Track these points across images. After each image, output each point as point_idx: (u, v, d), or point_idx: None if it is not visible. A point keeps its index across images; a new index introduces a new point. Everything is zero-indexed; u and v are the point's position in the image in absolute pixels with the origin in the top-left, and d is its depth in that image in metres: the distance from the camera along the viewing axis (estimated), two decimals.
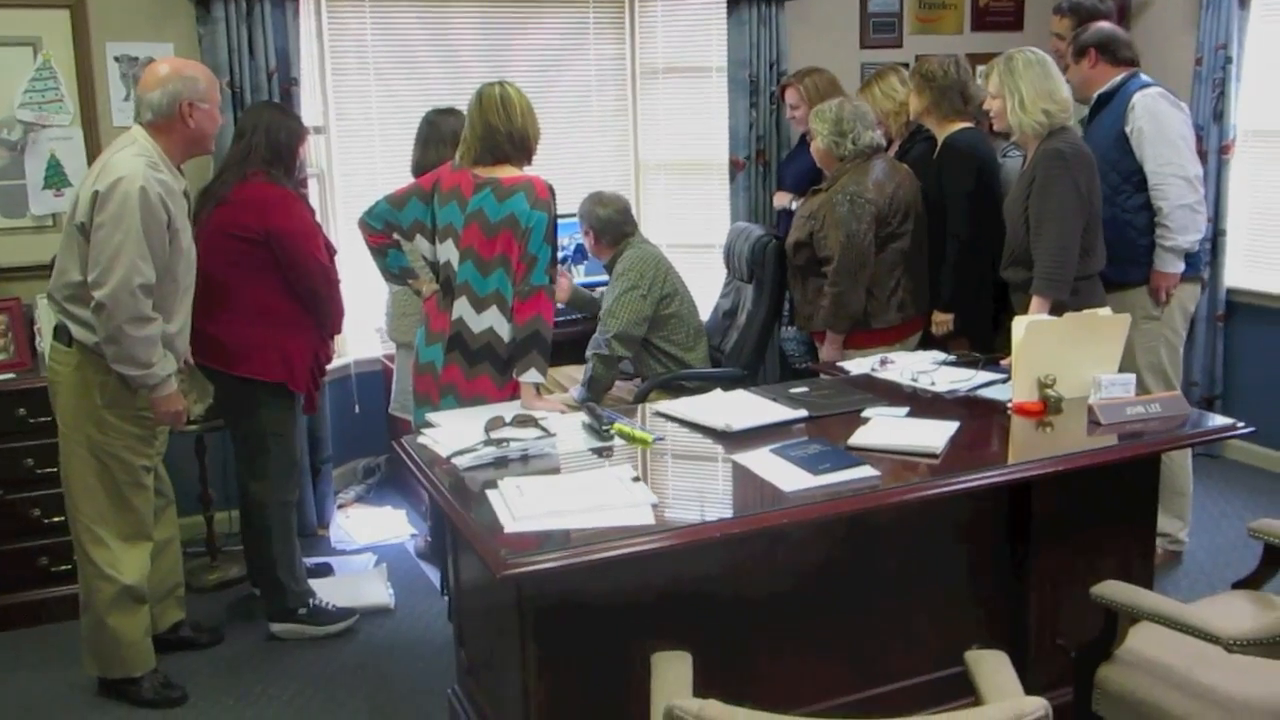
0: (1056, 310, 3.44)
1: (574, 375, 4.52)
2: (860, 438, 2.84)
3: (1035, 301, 3.52)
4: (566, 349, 4.59)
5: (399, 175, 4.22)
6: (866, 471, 2.60)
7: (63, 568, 3.84)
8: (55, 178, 4.28)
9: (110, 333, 3.12)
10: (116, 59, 4.33)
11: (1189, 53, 5.23)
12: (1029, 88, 3.53)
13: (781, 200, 4.94)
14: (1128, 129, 3.89)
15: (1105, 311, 3.31)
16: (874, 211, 3.94)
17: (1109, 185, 3.83)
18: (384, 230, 3.51)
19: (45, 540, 3.86)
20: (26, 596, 3.91)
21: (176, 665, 3.60)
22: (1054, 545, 2.96)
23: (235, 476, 3.96)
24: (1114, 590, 2.44)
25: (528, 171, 3.37)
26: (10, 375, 3.92)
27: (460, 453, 2.75)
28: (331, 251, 3.80)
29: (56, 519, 3.74)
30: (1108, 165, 3.85)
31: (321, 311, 3.76)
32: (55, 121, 4.28)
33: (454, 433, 2.92)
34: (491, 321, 3.31)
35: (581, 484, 2.55)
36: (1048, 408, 3.08)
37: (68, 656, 3.63)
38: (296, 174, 3.88)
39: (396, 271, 3.61)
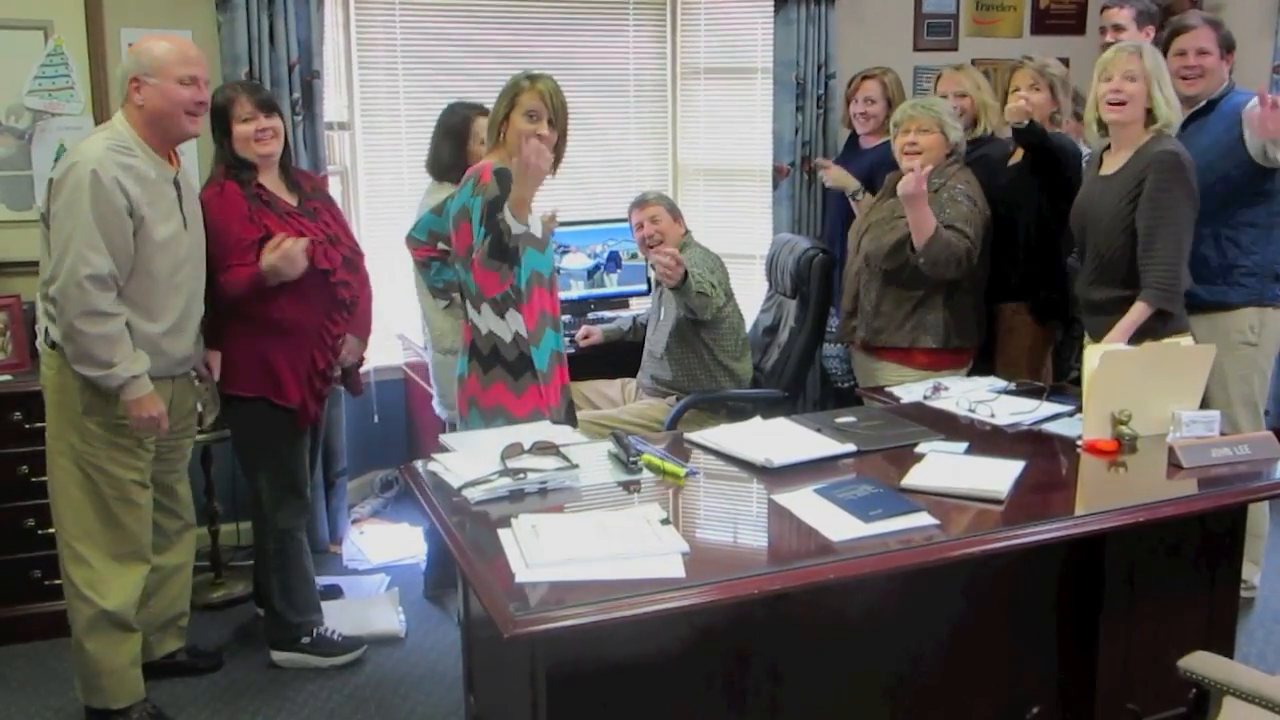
0: (1136, 337, 3.14)
1: (605, 391, 4.27)
2: (915, 478, 2.56)
3: (1139, 307, 3.14)
4: (595, 363, 4.35)
5: (426, 176, 3.99)
6: (923, 519, 2.32)
7: (56, 582, 3.55)
8: None
9: (64, 329, 2.88)
10: (131, 45, 4.10)
11: (1266, 59, 4.92)
12: (1167, 82, 3.23)
13: (842, 178, 4.48)
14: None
15: (1187, 340, 3.02)
16: (982, 220, 3.70)
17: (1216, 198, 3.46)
18: (428, 241, 3.38)
19: (38, 553, 3.64)
20: (16, 611, 3.69)
21: (170, 693, 3.38)
22: (1126, 600, 2.68)
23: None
24: (1205, 665, 2.16)
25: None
26: (6, 377, 3.72)
27: (472, 484, 2.51)
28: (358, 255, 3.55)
29: (51, 530, 3.47)
30: (1214, 176, 3.44)
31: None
32: (65, 110, 4.07)
33: (469, 458, 2.68)
34: (490, 323, 3.10)
35: (604, 526, 2.28)
36: (1121, 447, 2.80)
37: (56, 678, 3.44)
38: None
39: (441, 285, 3.44)
